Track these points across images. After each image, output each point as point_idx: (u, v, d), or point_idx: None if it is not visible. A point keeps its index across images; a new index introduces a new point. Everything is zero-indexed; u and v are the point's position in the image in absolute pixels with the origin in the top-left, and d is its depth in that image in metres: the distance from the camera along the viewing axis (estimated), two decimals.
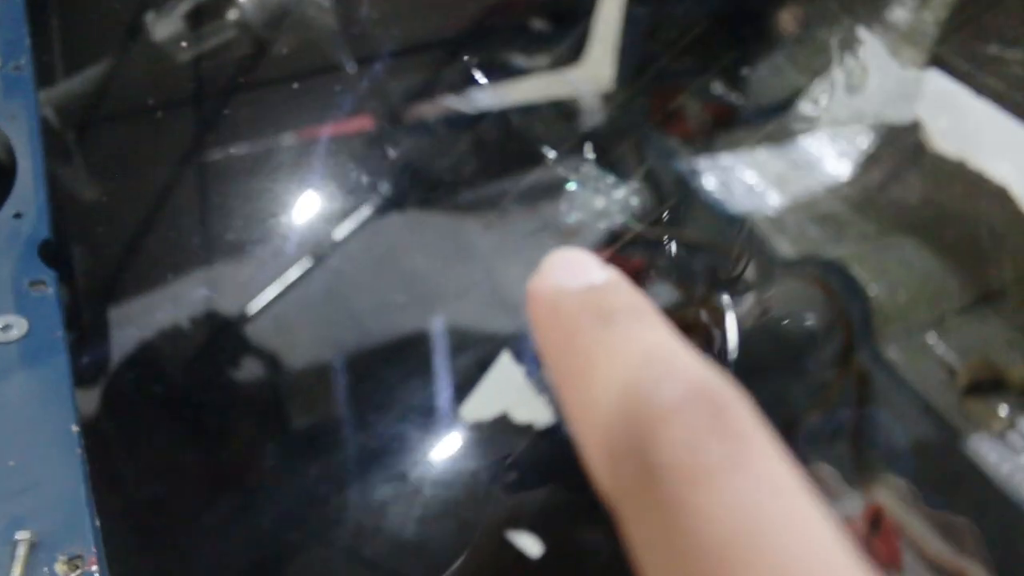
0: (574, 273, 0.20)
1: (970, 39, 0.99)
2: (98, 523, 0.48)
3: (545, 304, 0.19)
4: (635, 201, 1.08)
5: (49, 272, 0.60)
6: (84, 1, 0.82)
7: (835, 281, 0.87)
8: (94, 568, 0.46)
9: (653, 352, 0.17)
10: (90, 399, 0.55)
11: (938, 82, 0.34)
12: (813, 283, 0.87)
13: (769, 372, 0.84)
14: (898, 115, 0.34)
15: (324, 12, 0.74)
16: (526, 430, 0.36)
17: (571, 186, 1.05)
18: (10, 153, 0.68)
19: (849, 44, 0.93)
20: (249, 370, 0.74)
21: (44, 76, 0.73)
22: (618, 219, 1.07)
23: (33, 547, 0.46)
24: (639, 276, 1.07)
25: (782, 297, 0.86)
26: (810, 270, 0.87)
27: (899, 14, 1.12)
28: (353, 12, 0.76)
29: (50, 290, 0.59)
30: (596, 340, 0.18)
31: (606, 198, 1.10)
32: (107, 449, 0.52)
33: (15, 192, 0.65)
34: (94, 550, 0.47)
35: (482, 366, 0.56)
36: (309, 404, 0.65)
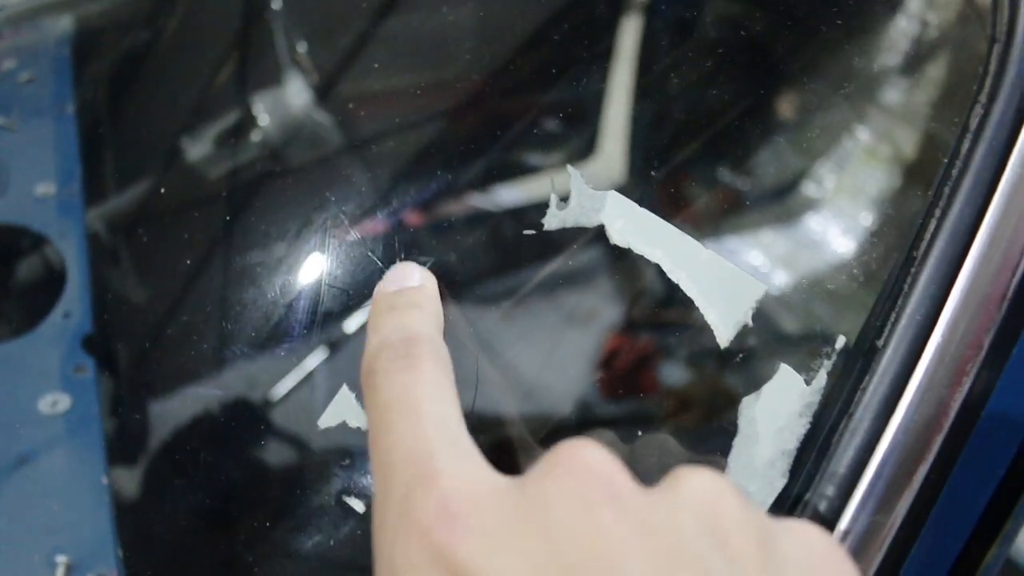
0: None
1: (964, 116, 1.12)
2: (120, 552, 0.64)
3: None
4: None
5: (89, 359, 0.78)
6: (129, 131, 1.02)
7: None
8: None
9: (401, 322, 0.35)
10: (119, 460, 0.71)
11: (616, 196, 0.53)
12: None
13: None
14: (588, 222, 0.52)
15: (331, 131, 0.90)
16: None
17: None
18: (61, 265, 0.88)
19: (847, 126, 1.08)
20: (257, 443, 0.89)
21: (95, 196, 0.93)
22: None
23: (69, 569, 0.63)
24: (647, 358, 1.20)
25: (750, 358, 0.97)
26: (813, 347, 0.98)
27: (893, 95, 1.26)
28: (365, 128, 0.94)
29: (90, 374, 0.77)
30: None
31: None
32: (130, 497, 0.69)
33: (65, 296, 0.84)
34: (115, 572, 0.63)
35: (498, 450, 0.69)
36: (324, 484, 0.80)
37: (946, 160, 0.45)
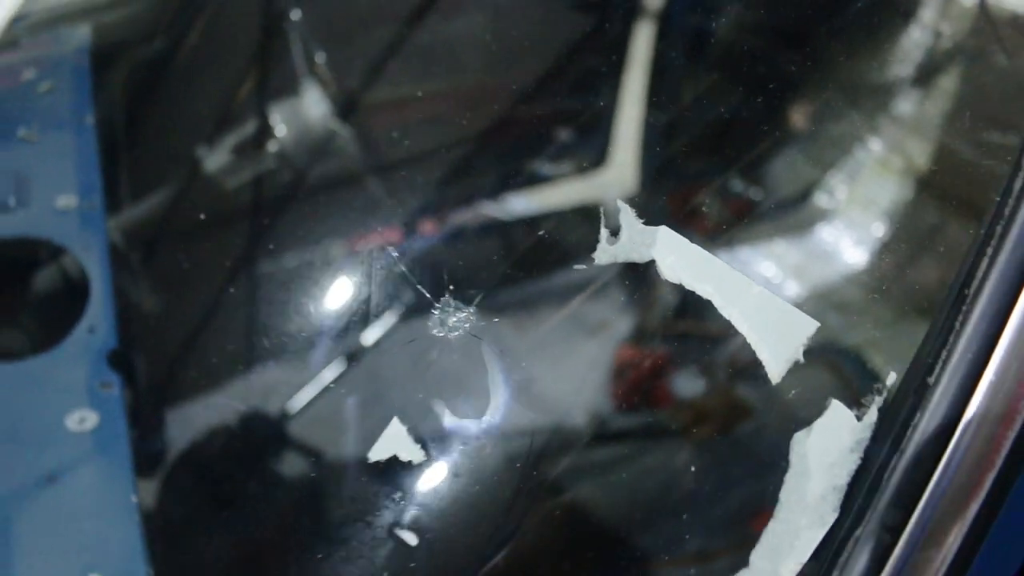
0: None
1: (974, 127, 1.12)
2: (151, 569, 0.64)
3: None
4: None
5: (115, 376, 0.78)
6: (148, 142, 1.01)
7: (850, 368, 0.97)
8: None
9: None
10: (147, 477, 0.71)
11: (667, 232, 0.53)
12: (828, 370, 0.97)
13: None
14: (639, 257, 0.52)
15: (351, 142, 0.89)
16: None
17: None
18: (84, 279, 0.87)
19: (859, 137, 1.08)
20: (291, 461, 0.89)
21: (116, 208, 0.92)
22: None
23: None
24: (661, 369, 1.19)
25: (797, 385, 0.97)
26: (826, 358, 0.98)
27: (904, 106, 1.26)
28: (381, 139, 0.94)
29: (116, 390, 0.77)
30: None
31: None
32: (159, 515, 0.69)
33: (89, 310, 0.84)
34: None
35: (512, 461, 0.69)
36: (346, 495, 0.79)
37: (998, 198, 0.45)
